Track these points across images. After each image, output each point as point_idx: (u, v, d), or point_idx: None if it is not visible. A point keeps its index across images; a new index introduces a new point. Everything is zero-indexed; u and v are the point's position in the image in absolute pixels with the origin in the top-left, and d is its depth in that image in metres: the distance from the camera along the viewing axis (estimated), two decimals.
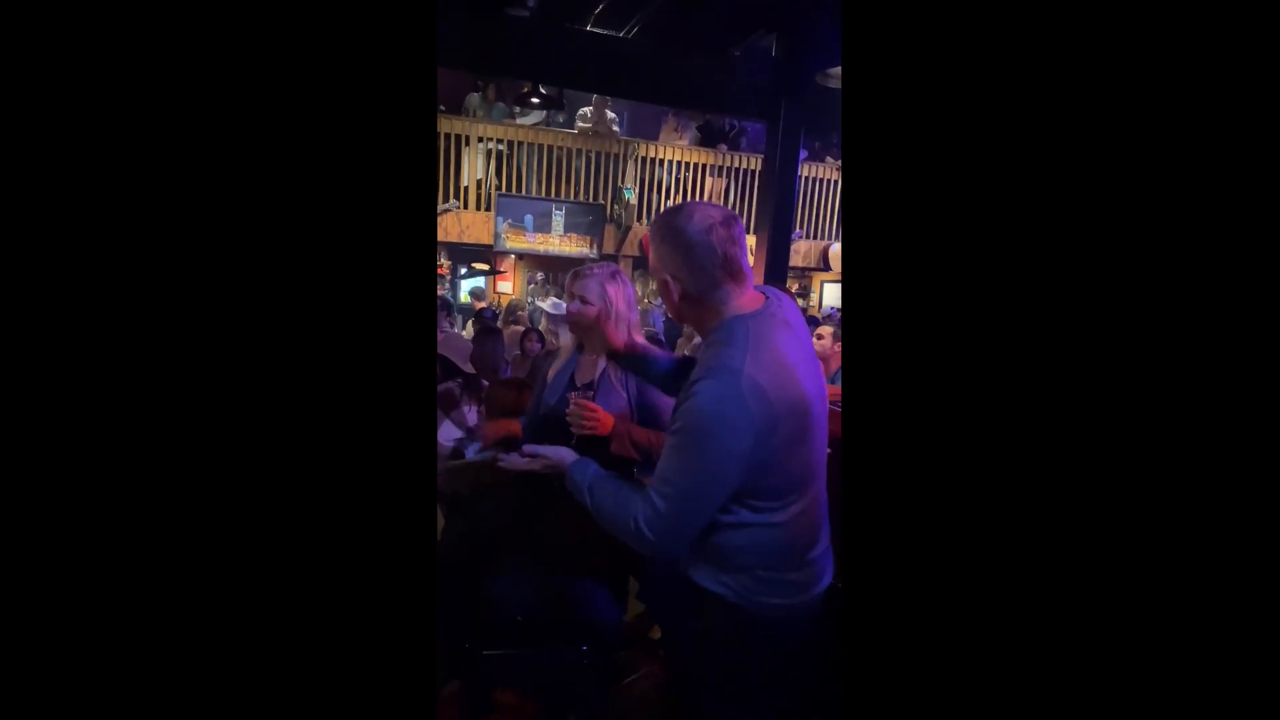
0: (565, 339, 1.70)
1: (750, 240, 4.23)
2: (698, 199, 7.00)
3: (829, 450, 2.22)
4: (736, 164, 7.26)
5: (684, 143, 7.20)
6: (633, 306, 1.52)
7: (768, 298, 1.07)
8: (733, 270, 1.01)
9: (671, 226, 1.00)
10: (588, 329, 1.47)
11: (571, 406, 1.25)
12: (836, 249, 8.35)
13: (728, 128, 7.08)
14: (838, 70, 3.08)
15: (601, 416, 1.29)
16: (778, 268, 4.09)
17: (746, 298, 1.03)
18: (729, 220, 1.01)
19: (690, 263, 0.99)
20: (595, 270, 1.51)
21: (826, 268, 8.57)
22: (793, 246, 8.28)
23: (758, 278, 4.20)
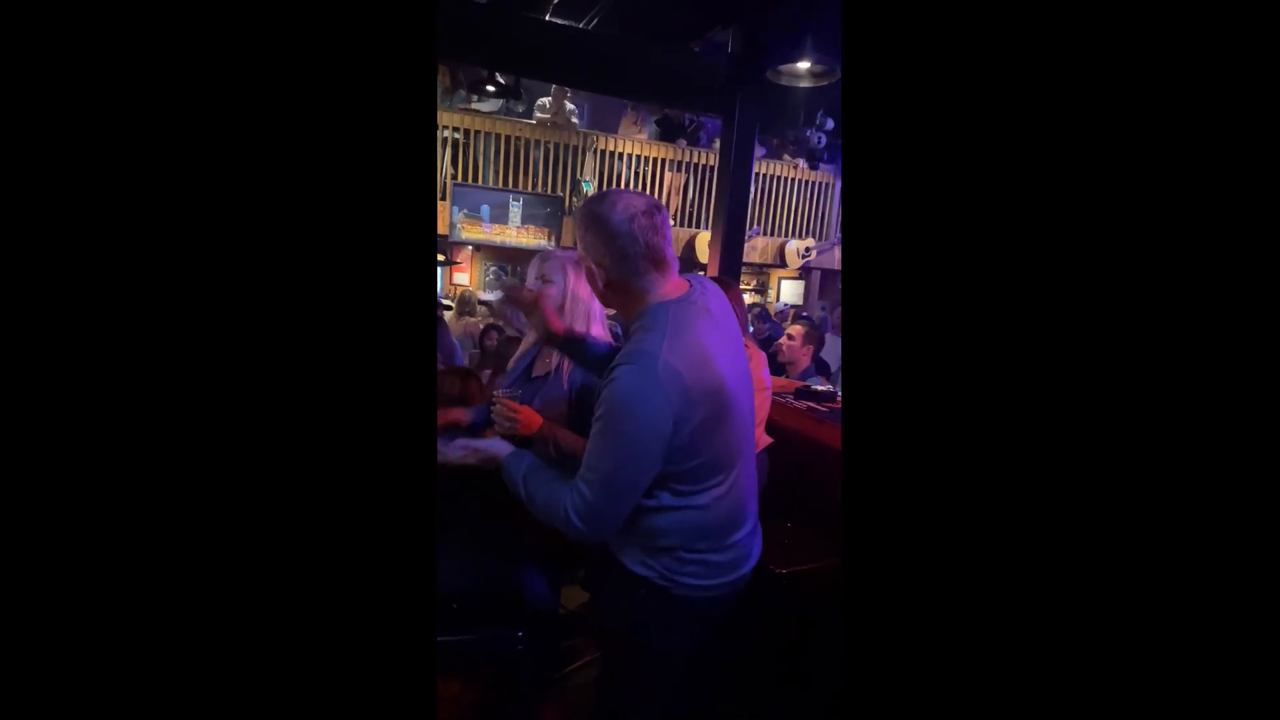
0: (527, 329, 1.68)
1: (707, 235, 4.25)
2: (656, 193, 7.02)
3: (769, 439, 2.24)
4: (695, 159, 7.29)
5: (643, 136, 7.20)
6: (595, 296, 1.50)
7: (692, 286, 1.09)
8: (655, 258, 1.02)
9: (595, 214, 1.01)
10: (529, 311, 1.44)
11: (496, 405, 1.23)
12: (793, 245, 8.47)
13: (687, 122, 7.10)
14: (791, 67, 3.12)
15: (525, 417, 1.23)
16: (732, 262, 4.13)
17: (670, 285, 1.05)
18: (652, 209, 1.02)
19: (613, 250, 1.00)
20: (561, 253, 1.50)
21: (783, 264, 8.67)
22: (750, 243, 8.36)
23: (712, 272, 4.23)
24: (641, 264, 1.01)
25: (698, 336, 1.00)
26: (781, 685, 1.90)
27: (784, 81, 3.12)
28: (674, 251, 1.07)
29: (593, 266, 1.03)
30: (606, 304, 1.12)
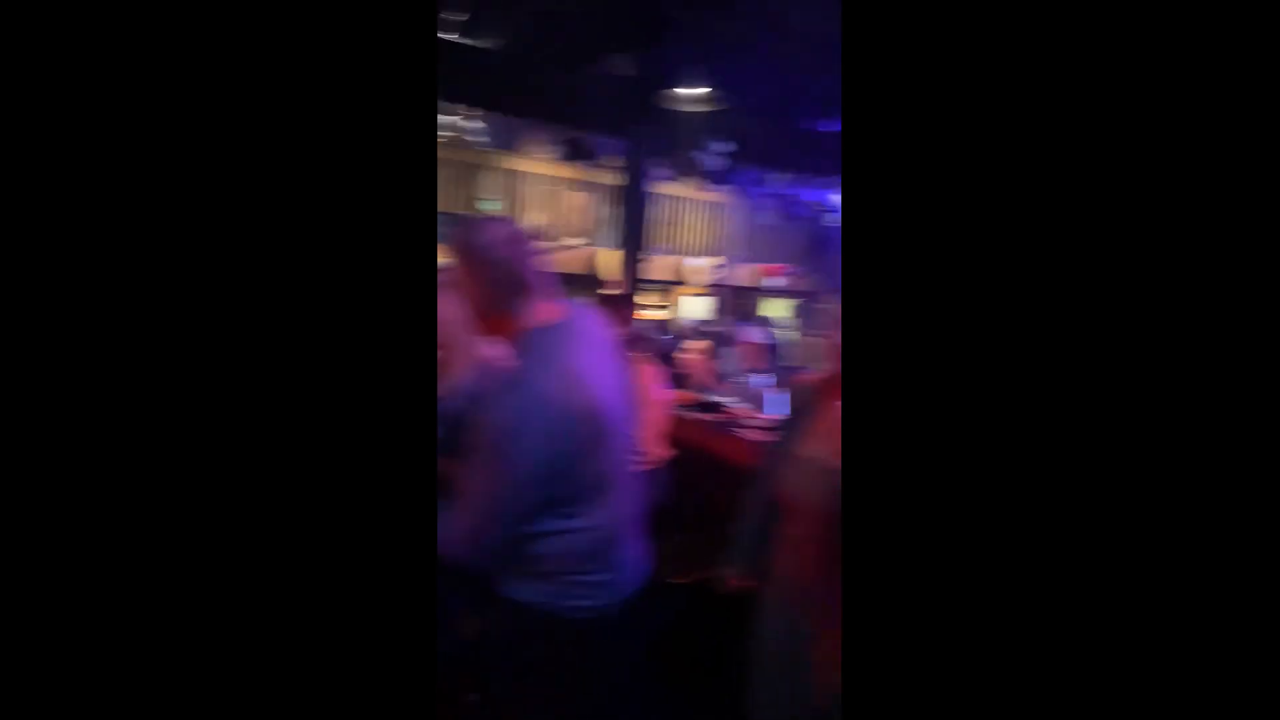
0: None
1: (614, 255, 4.31)
2: (560, 213, 7.04)
3: (669, 452, 2.29)
4: (598, 179, 7.37)
5: (546, 156, 7.21)
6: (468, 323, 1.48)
7: (568, 310, 1.11)
8: (525, 286, 1.04)
9: (464, 244, 1.02)
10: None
11: None
12: (693, 263, 8.69)
13: (590, 143, 7.18)
14: (683, 93, 3.24)
15: None
16: (633, 280, 4.21)
17: (543, 312, 1.06)
18: (516, 237, 1.04)
19: (483, 279, 1.02)
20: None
21: (686, 281, 8.88)
22: (655, 261, 8.52)
23: (614, 290, 4.29)
24: (511, 291, 1.02)
25: (570, 361, 1.02)
26: (683, 694, 1.94)
27: (675, 107, 3.23)
28: (552, 275, 1.08)
29: (466, 295, 1.04)
30: (482, 331, 1.13)
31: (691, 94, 3.28)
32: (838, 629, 0.96)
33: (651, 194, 8.21)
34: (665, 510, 2.32)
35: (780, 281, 9.53)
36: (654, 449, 2.22)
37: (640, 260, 4.26)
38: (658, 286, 9.76)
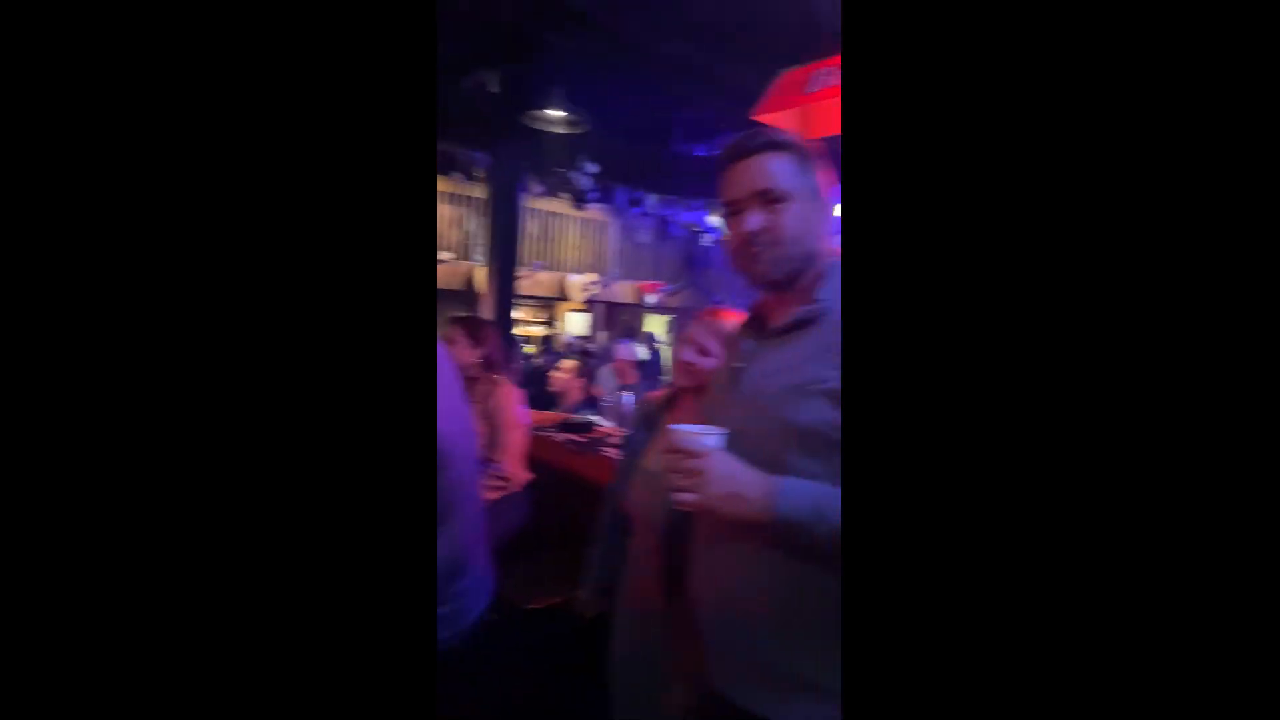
0: None
1: (484, 270, 4.23)
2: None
3: (529, 475, 2.26)
4: (473, 193, 7.24)
5: None
6: None
7: None
8: None
9: None
10: None
11: None
12: (576, 279, 8.72)
13: (461, 156, 7.04)
14: (546, 113, 3.24)
15: None
16: (505, 297, 4.14)
17: None
18: None
19: None
20: None
21: (567, 297, 8.89)
22: (534, 277, 8.46)
23: (487, 307, 4.20)
24: None
25: None
26: (541, 715, 1.90)
27: (540, 126, 3.23)
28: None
29: None
30: None
31: (560, 115, 3.29)
32: (688, 642, 0.99)
33: (526, 209, 8.17)
34: (526, 534, 2.28)
35: (658, 298, 9.75)
36: (514, 472, 2.18)
37: (517, 277, 4.20)
38: (537, 303, 9.69)
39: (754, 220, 0.85)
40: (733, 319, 1.31)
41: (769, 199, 0.85)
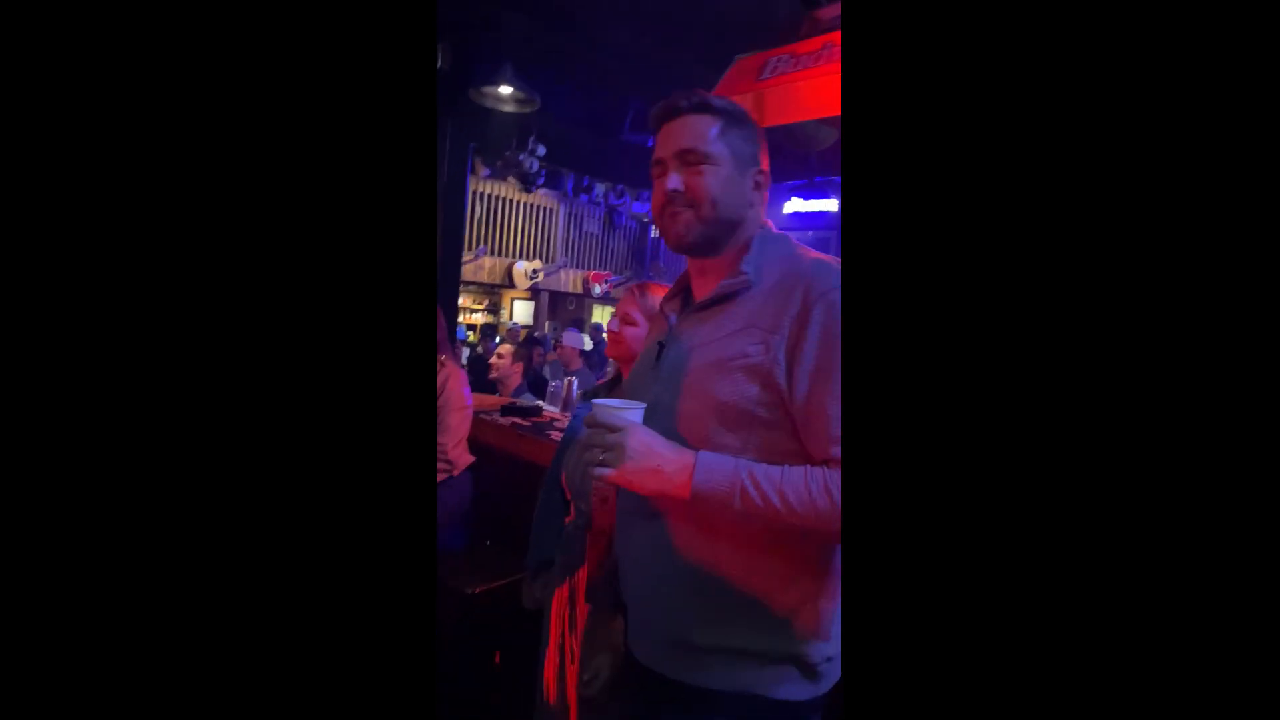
0: None
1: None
2: None
3: (471, 458, 2.21)
4: None
5: None
6: None
7: None
8: None
9: None
10: None
11: None
12: (521, 266, 8.59)
13: None
14: (494, 90, 3.16)
15: None
16: (450, 281, 4.03)
17: None
18: None
19: None
20: None
21: (512, 284, 8.76)
22: (478, 263, 8.30)
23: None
24: None
25: None
26: (483, 698, 1.87)
27: (489, 104, 3.15)
28: None
29: None
30: None
31: (510, 93, 3.21)
32: (610, 614, 0.98)
33: (474, 192, 7.99)
34: (468, 517, 2.24)
35: (605, 289, 9.72)
36: (457, 455, 2.13)
37: (458, 260, 4.10)
38: (481, 289, 9.52)
39: (674, 180, 0.85)
40: (662, 292, 1.34)
41: (690, 160, 0.84)
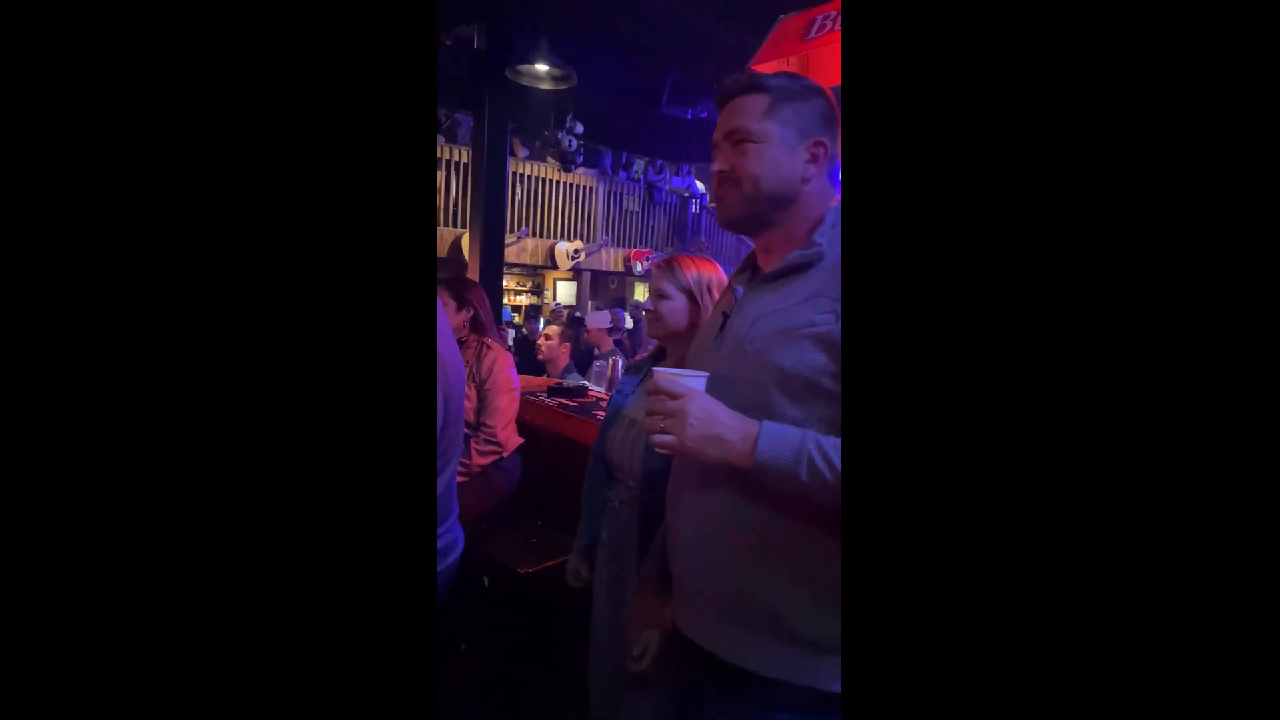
0: None
1: (473, 236, 4.16)
2: None
3: (520, 440, 2.23)
4: (456, 157, 7.08)
5: None
6: None
7: None
8: None
9: None
10: None
11: None
12: (563, 247, 8.61)
13: (444, 118, 6.87)
14: (531, 68, 3.13)
15: None
16: (492, 263, 4.06)
17: None
18: None
19: None
20: None
21: (555, 265, 8.79)
22: (521, 244, 8.35)
23: (473, 273, 4.12)
24: None
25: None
26: (532, 676, 1.90)
27: (525, 82, 3.13)
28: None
29: None
30: None
31: (547, 70, 3.18)
32: (658, 587, 0.98)
33: (514, 174, 8.02)
34: (518, 498, 2.26)
35: (646, 266, 9.67)
36: (506, 437, 2.14)
37: (500, 242, 4.12)
38: (524, 270, 9.58)
39: (719, 161, 0.86)
40: (695, 264, 1.33)
41: (735, 139, 0.85)
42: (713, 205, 0.93)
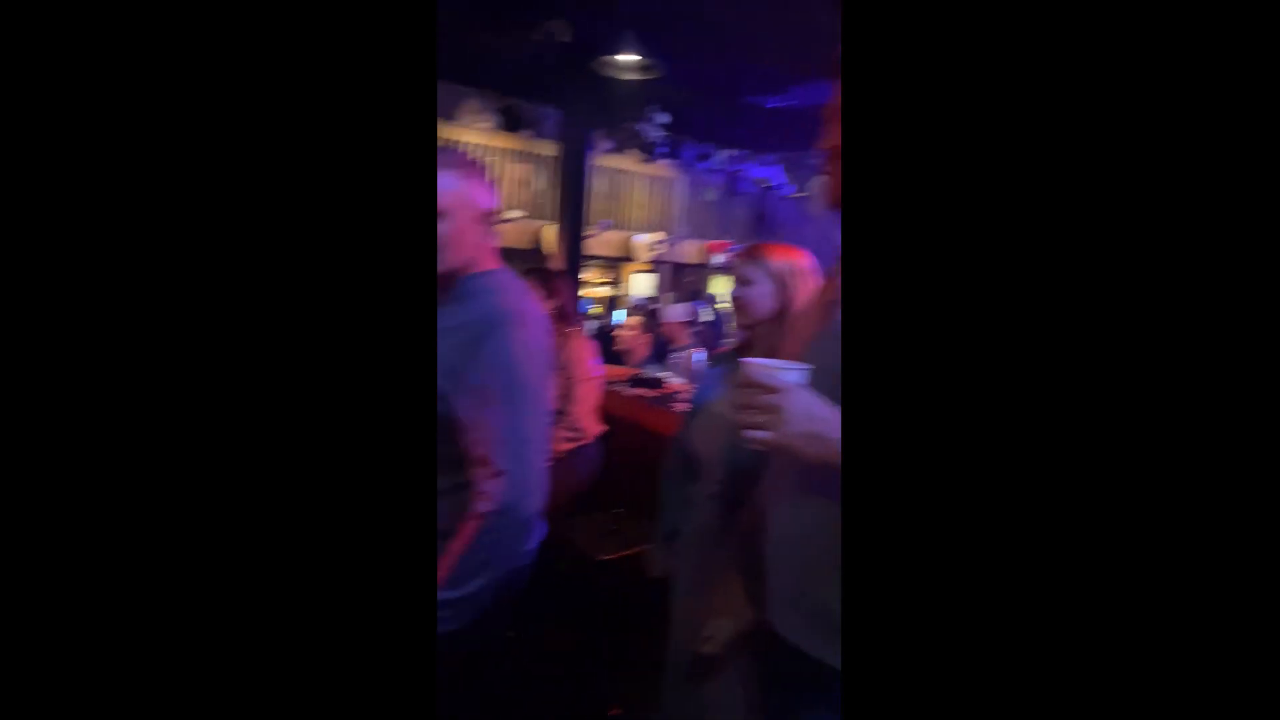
0: None
1: (554, 229, 4.23)
2: (500, 184, 6.87)
3: (602, 427, 2.25)
4: (540, 150, 7.21)
5: (485, 126, 7.01)
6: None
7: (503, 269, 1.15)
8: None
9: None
10: None
11: None
12: (641, 238, 8.64)
13: (529, 112, 7.01)
14: (618, 59, 3.15)
15: None
16: (573, 255, 4.13)
17: (486, 259, 1.13)
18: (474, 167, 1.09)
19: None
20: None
21: (632, 257, 8.83)
22: (602, 236, 8.43)
23: (558, 265, 4.20)
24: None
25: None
26: (614, 666, 1.93)
27: (612, 74, 3.14)
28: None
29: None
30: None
31: (631, 61, 3.19)
32: (742, 576, 0.97)
33: (593, 166, 8.10)
34: (598, 486, 2.29)
35: (726, 258, 9.56)
36: (587, 425, 2.18)
37: (584, 236, 4.18)
38: (604, 262, 9.69)
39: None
40: (782, 251, 1.30)
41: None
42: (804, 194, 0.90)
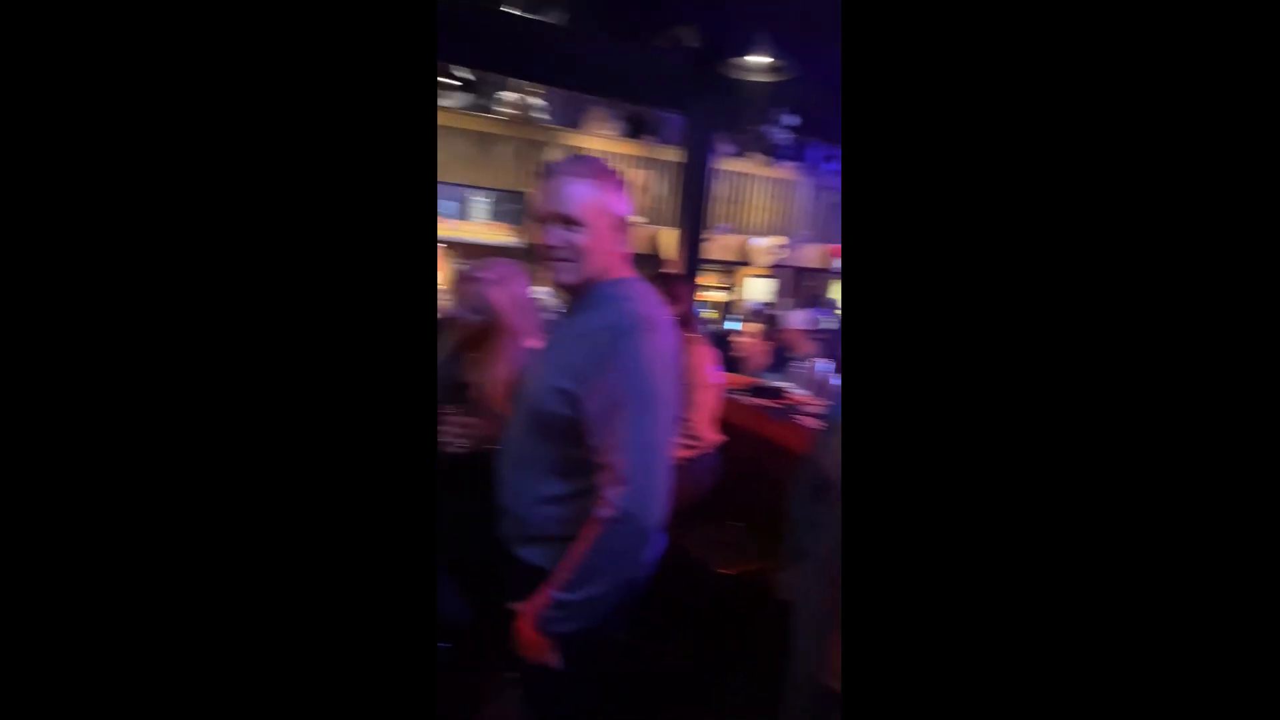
0: None
1: (674, 233, 4.24)
2: (625, 189, 6.98)
3: (721, 437, 2.21)
4: (662, 156, 7.26)
5: (609, 132, 7.15)
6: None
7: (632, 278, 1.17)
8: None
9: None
10: None
11: None
12: (760, 242, 8.49)
13: (652, 118, 7.08)
14: (747, 61, 3.10)
15: None
16: (692, 260, 4.09)
17: (616, 268, 1.16)
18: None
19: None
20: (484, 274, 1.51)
21: (749, 262, 8.70)
22: (720, 240, 8.37)
23: (676, 269, 4.20)
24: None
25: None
26: (728, 682, 1.88)
27: (740, 76, 3.10)
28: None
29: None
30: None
31: (758, 62, 3.13)
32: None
33: (715, 170, 8.06)
34: (716, 495, 2.25)
35: None
36: (706, 432, 2.14)
37: (703, 240, 4.15)
38: (720, 266, 9.61)
39: None
40: None
41: None
42: None
